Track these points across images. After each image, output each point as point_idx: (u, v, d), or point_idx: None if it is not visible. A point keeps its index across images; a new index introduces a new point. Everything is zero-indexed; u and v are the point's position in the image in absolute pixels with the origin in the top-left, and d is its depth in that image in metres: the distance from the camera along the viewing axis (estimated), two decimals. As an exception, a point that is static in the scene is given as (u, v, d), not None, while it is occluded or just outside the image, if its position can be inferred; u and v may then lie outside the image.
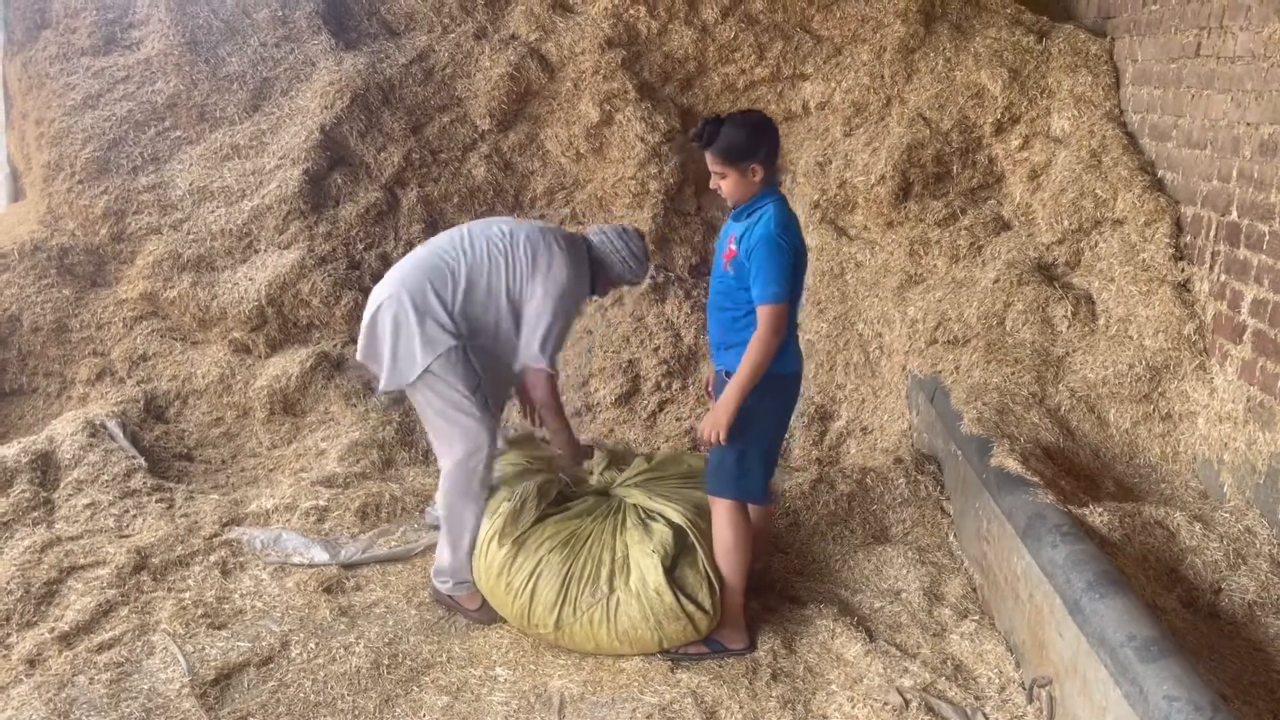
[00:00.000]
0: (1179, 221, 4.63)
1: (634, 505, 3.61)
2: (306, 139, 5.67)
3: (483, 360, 3.61)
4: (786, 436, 3.87)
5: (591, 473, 3.84)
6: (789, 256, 3.14)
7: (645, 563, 3.36)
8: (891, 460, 4.59)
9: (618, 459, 4.06)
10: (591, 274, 3.76)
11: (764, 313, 3.15)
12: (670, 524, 3.46)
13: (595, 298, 4.01)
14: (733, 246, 3.26)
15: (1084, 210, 4.98)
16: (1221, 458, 4.00)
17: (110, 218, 5.44)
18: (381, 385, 3.60)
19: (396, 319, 3.50)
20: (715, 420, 3.21)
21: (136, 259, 5.41)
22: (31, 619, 3.47)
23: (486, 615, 3.64)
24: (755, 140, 3.17)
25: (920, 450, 4.71)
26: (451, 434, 3.56)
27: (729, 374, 3.31)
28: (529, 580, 3.40)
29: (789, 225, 3.20)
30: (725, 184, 3.24)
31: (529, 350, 3.57)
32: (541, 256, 3.60)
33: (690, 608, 3.32)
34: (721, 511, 3.37)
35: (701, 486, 3.55)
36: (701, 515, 3.45)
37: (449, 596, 3.69)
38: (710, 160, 3.20)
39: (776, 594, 3.79)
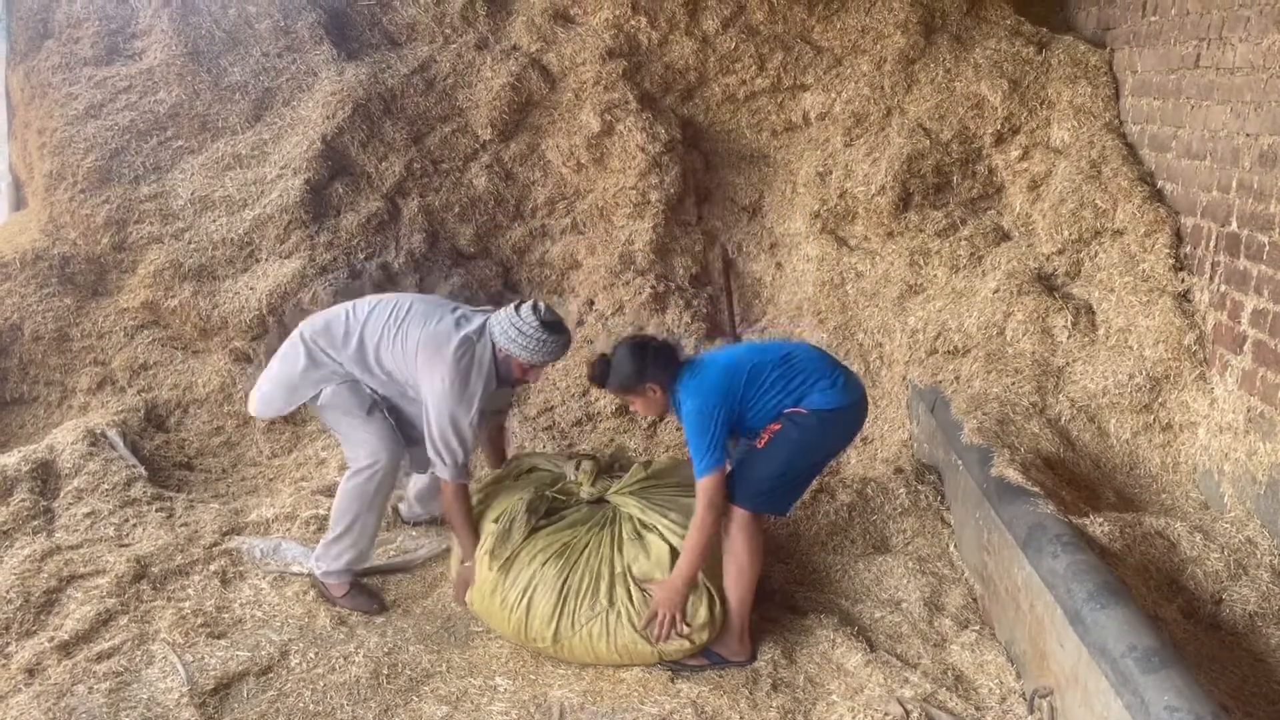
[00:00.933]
0: (1179, 232, 4.64)
1: (629, 517, 3.60)
2: (308, 149, 5.68)
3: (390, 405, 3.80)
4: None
5: (580, 484, 3.81)
6: (707, 415, 3.24)
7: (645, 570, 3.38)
8: (892, 470, 4.59)
9: (611, 465, 4.04)
10: (500, 365, 3.63)
11: (698, 487, 3.24)
12: (665, 541, 3.46)
13: (525, 384, 3.97)
14: None
15: (1084, 221, 4.99)
16: (1222, 468, 4.00)
17: (112, 227, 5.45)
18: (250, 408, 3.84)
19: (286, 356, 3.76)
20: (670, 600, 3.27)
21: (138, 268, 5.41)
22: (31, 628, 3.46)
23: (350, 603, 3.75)
24: (639, 365, 3.35)
25: (920, 460, 4.71)
26: (354, 447, 3.74)
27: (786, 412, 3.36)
28: (524, 595, 3.40)
29: (699, 391, 3.29)
30: (636, 407, 3.51)
31: (438, 467, 3.58)
32: (428, 365, 3.55)
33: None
34: (739, 522, 3.35)
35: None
36: None
37: (320, 580, 3.80)
38: (617, 395, 3.46)
39: (776, 604, 3.78)
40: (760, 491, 3.35)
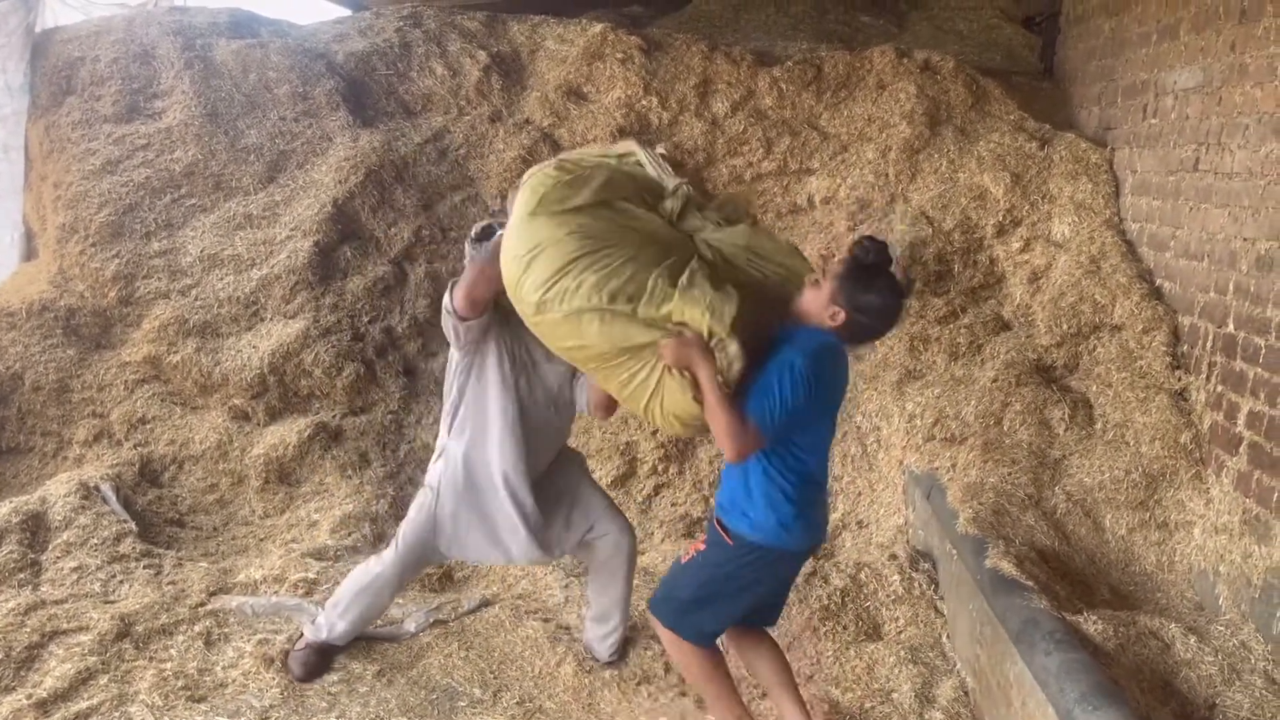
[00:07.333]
0: (1176, 330, 4.68)
1: (709, 262, 2.99)
2: (319, 211, 5.76)
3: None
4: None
5: (669, 207, 3.08)
6: (799, 381, 2.83)
7: (689, 310, 2.85)
8: (886, 556, 4.56)
9: (715, 211, 3.25)
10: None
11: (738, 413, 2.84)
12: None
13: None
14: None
15: (1083, 315, 5.04)
16: (1217, 569, 3.98)
17: (120, 281, 5.50)
18: None
19: None
20: (675, 355, 2.84)
21: (143, 322, 5.45)
22: (10, 684, 3.42)
23: (294, 659, 3.69)
24: (869, 300, 2.91)
25: (915, 547, 4.68)
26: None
27: (719, 522, 3.12)
28: (530, 250, 2.89)
29: (820, 360, 2.89)
30: (810, 290, 2.99)
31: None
32: None
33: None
34: (668, 641, 3.24)
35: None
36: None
37: (302, 630, 3.78)
38: (837, 264, 2.98)
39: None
40: (675, 605, 3.18)
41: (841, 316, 2.91)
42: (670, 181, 3.13)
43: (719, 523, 3.12)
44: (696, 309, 2.82)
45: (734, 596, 3.14)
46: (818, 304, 2.94)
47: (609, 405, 3.52)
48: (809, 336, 2.93)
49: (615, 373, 2.96)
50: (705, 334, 2.83)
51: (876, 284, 2.93)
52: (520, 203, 2.96)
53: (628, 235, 2.92)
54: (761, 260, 3.08)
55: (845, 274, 2.92)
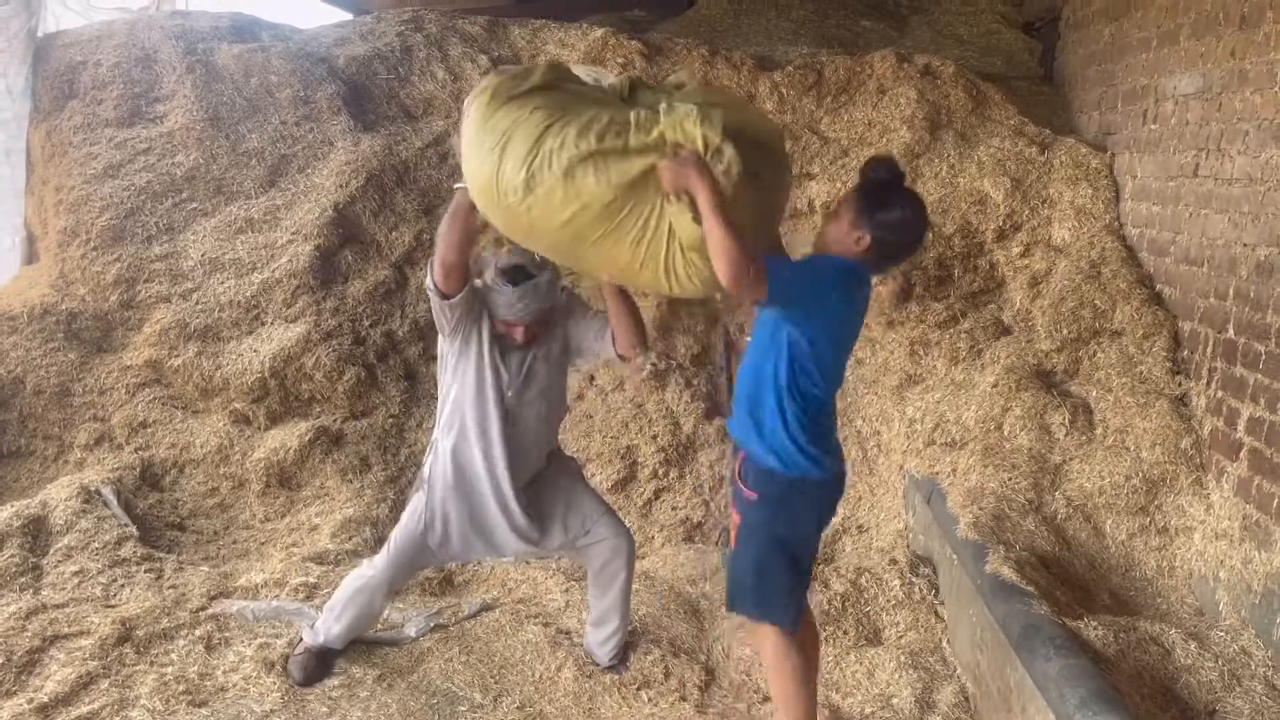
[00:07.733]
0: (1177, 336, 4.69)
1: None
2: (320, 216, 5.77)
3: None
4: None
5: (620, 87, 3.05)
6: (820, 286, 2.83)
7: (683, 124, 2.75)
8: (887, 561, 4.57)
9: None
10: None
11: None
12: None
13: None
14: None
15: (1083, 320, 5.04)
16: (1217, 575, 3.99)
17: (121, 285, 5.51)
18: None
19: None
20: (673, 176, 2.71)
21: (144, 326, 5.45)
22: (11, 689, 3.42)
23: (294, 661, 3.70)
24: (891, 216, 2.89)
25: (915, 552, 4.68)
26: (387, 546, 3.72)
27: (740, 480, 3.08)
28: (500, 139, 2.80)
29: (850, 274, 2.89)
30: (830, 222, 2.99)
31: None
32: None
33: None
34: (760, 636, 3.12)
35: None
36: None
37: (301, 632, 3.79)
38: (850, 191, 2.96)
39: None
40: (749, 593, 3.05)
41: (867, 240, 2.88)
42: (609, 78, 3.11)
43: (740, 481, 3.07)
44: (688, 120, 2.73)
45: (789, 545, 3.04)
46: (840, 233, 2.92)
47: (637, 335, 3.51)
48: (839, 257, 2.92)
49: (626, 232, 2.81)
50: (701, 145, 2.71)
51: (895, 199, 2.90)
52: (473, 114, 2.90)
53: (587, 105, 2.86)
54: (722, 104, 2.92)
55: (861, 196, 2.90)
